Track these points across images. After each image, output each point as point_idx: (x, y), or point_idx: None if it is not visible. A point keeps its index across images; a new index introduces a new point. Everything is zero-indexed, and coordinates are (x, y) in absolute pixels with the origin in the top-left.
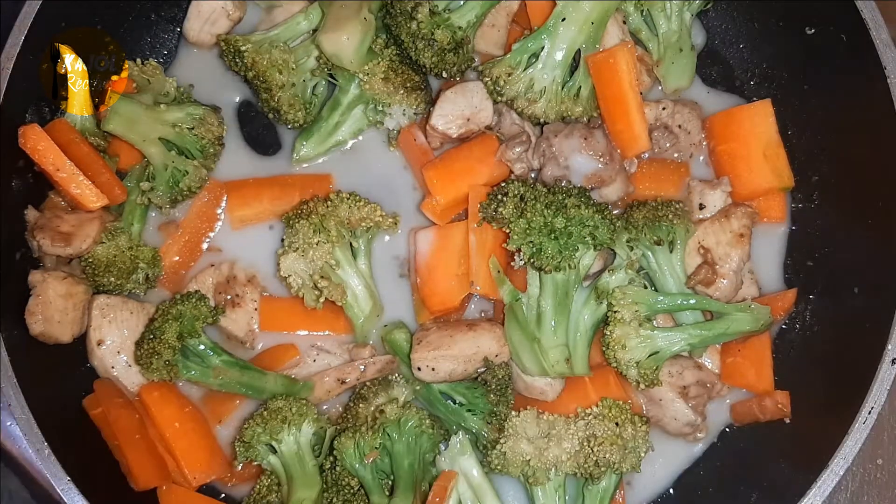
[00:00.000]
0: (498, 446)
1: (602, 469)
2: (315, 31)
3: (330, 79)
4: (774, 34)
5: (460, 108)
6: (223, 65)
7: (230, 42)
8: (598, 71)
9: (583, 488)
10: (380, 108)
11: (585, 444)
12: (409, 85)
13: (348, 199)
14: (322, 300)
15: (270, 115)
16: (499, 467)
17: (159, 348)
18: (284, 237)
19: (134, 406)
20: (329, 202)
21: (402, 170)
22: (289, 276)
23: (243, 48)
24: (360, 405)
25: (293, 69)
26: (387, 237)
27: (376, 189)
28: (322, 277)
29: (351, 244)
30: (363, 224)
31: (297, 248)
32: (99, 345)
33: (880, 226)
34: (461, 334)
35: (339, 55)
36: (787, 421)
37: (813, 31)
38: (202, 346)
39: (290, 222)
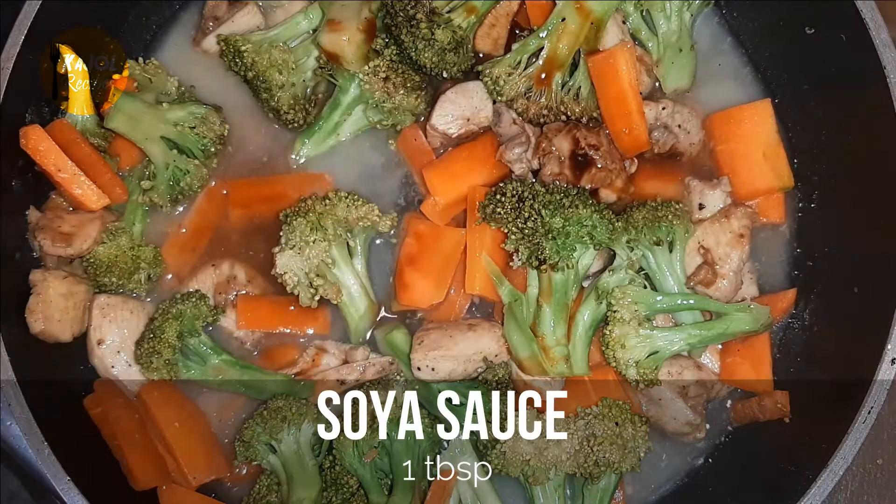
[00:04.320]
0: (497, 446)
1: (602, 469)
2: (315, 30)
3: (330, 79)
4: (774, 34)
5: (460, 108)
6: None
7: (230, 42)
8: (598, 71)
9: (582, 488)
10: (380, 107)
11: (585, 443)
12: (409, 85)
13: (346, 198)
14: (317, 299)
15: (270, 116)
16: (499, 467)
17: (159, 347)
18: (282, 234)
19: (134, 406)
20: (327, 201)
21: (402, 170)
22: (284, 273)
23: (243, 48)
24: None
25: (293, 69)
26: (378, 239)
27: (375, 189)
28: (318, 276)
29: (348, 243)
30: (360, 223)
31: (294, 246)
32: (99, 344)
33: (880, 226)
34: (461, 334)
35: (340, 55)
36: (787, 421)
37: (813, 31)
38: (202, 346)
39: (288, 220)
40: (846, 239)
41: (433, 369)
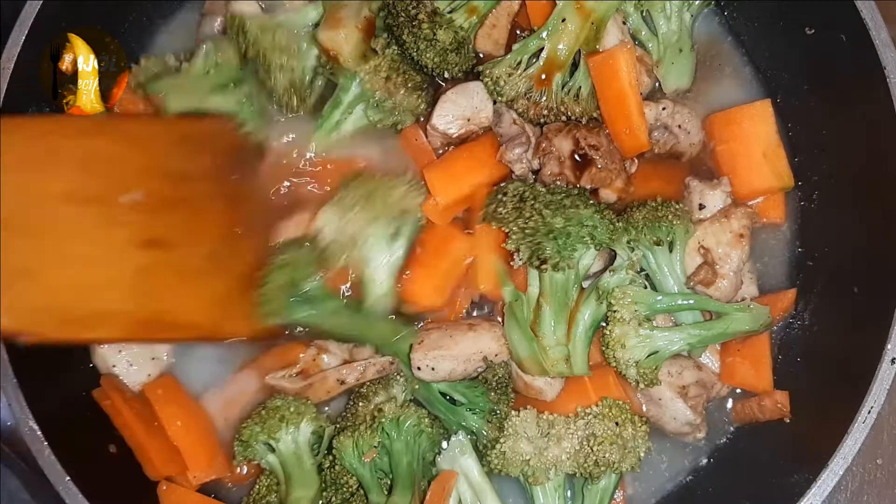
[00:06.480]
0: (497, 446)
1: (602, 468)
2: (317, 25)
3: (331, 77)
4: (774, 34)
5: (461, 108)
6: None
7: (236, 19)
8: (599, 71)
9: (582, 488)
10: (381, 106)
11: (585, 443)
12: (410, 84)
13: (407, 183)
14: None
15: (263, 96)
16: (498, 467)
17: (271, 293)
18: (336, 195)
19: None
20: (390, 181)
21: (404, 169)
22: (324, 226)
23: (247, 24)
24: (360, 404)
25: (294, 54)
26: None
27: None
28: (349, 242)
29: (393, 228)
30: (407, 211)
31: (342, 207)
32: (100, 343)
33: (880, 225)
34: (461, 334)
35: (337, 52)
36: (787, 421)
37: (813, 31)
38: (313, 290)
39: (346, 184)
40: (846, 239)
41: (433, 369)
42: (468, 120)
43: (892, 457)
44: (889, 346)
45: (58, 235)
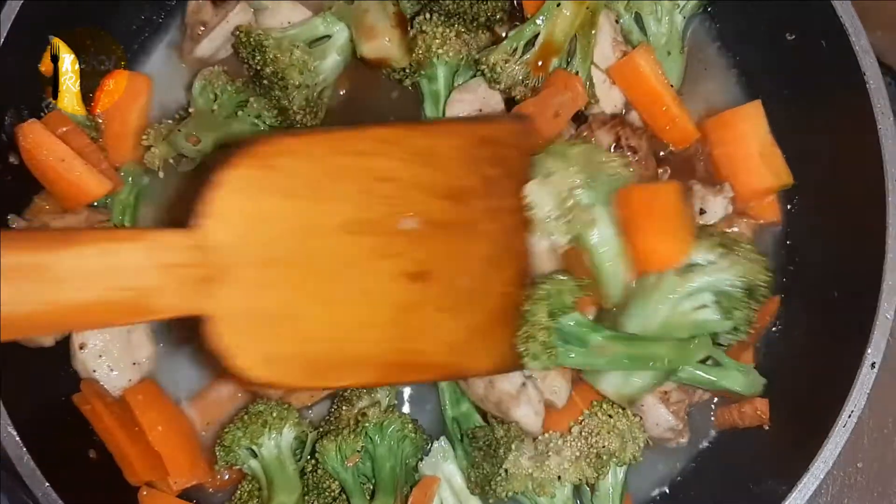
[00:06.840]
0: (501, 471)
1: (604, 460)
2: (329, 36)
3: (420, 78)
4: (755, 40)
5: (469, 103)
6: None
7: (252, 34)
8: (623, 78)
9: (591, 499)
10: (468, 62)
11: (583, 442)
12: (471, 26)
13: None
14: (569, 236)
15: (274, 112)
16: (505, 489)
17: (533, 332)
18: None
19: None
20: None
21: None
22: (534, 207)
23: (266, 42)
24: (343, 408)
25: (310, 71)
26: None
27: None
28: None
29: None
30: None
31: (542, 174)
32: (81, 348)
33: (859, 230)
34: (497, 401)
35: (388, 58)
36: (766, 428)
37: (793, 37)
38: (578, 325)
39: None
40: (825, 243)
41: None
42: (480, 110)
43: (873, 461)
44: (869, 351)
45: (327, 270)
